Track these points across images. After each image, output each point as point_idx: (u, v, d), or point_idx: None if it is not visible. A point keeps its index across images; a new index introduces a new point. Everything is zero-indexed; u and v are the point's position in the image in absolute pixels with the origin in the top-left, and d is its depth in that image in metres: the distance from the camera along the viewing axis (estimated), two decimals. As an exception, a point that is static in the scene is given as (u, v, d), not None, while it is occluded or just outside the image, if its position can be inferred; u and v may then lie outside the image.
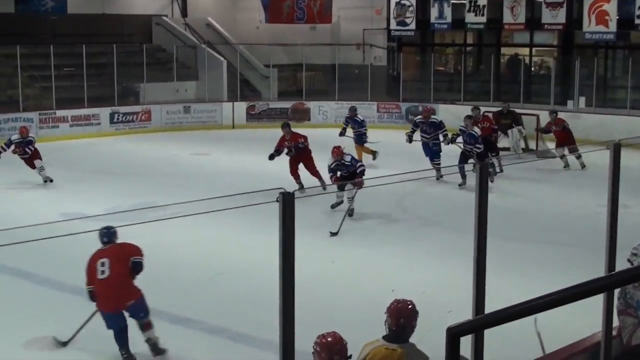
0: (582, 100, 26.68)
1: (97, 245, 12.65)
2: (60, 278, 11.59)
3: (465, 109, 20.78)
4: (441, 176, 18.47)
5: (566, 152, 20.02)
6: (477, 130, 17.95)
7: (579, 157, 19.74)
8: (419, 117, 19.84)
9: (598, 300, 5.76)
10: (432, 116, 19.55)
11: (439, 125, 19.07)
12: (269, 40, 32.57)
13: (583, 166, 19.71)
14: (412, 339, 5.51)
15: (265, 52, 32.03)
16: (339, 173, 15.18)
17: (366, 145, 20.83)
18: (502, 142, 21.41)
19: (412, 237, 13.99)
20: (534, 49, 30.94)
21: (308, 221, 13.02)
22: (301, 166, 17.06)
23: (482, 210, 4.66)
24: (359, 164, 15.30)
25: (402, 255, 12.85)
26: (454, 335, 2.94)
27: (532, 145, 22.73)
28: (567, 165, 20.12)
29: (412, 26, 30.52)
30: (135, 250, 8.76)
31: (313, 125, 28.47)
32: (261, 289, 10.81)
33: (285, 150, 17.14)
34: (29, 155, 18.43)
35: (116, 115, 27.89)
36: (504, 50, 31.87)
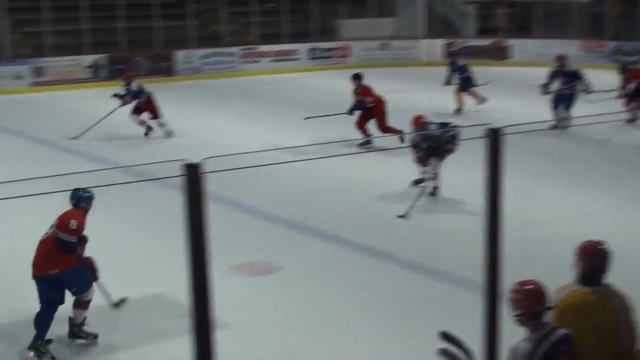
0: None
1: (295, 175, 13.08)
2: (264, 206, 12.00)
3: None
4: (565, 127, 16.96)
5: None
6: None
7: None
8: (556, 65, 17.87)
9: None
10: (567, 65, 17.70)
11: (575, 74, 17.37)
12: (468, -25, 31.96)
13: None
14: (613, 281, 5.31)
15: (464, -12, 31.49)
16: (424, 144, 12.44)
17: (474, 90, 19.72)
18: None
19: (615, 179, 13.50)
20: None
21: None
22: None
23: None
24: (450, 125, 12.67)
25: (602, 197, 12.44)
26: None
27: None
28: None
29: (622, -41, 29.13)
30: (64, 227, 7.67)
31: (512, 64, 27.86)
32: (462, 225, 10.83)
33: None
34: (136, 104, 17.12)
35: (315, 50, 28.24)
36: None
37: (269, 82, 25.12)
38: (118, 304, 8.52)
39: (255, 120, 18.03)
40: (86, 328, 7.91)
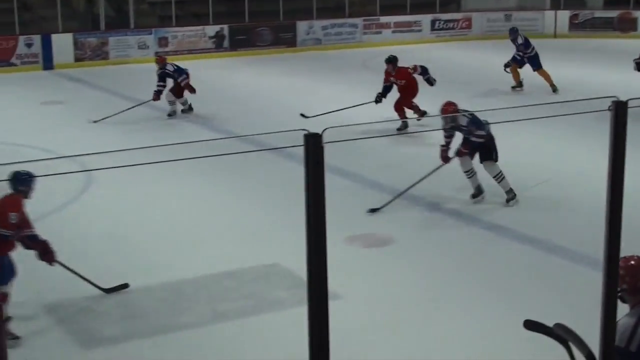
0: None
1: (411, 148, 12.99)
2: (379, 177, 12.03)
3: None
4: None
5: None
6: None
7: None
8: None
9: None
10: None
11: None
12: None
13: None
14: None
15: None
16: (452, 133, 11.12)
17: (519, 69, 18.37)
18: None
19: None
20: None
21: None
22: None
23: None
24: (479, 132, 10.68)
25: None
26: None
27: None
28: None
29: None
30: (2, 220, 7.16)
31: (639, 36, 26.97)
32: (577, 200, 10.62)
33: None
34: (172, 85, 16.49)
35: (437, 22, 28.01)
36: None
37: (390, 54, 24.96)
38: (110, 290, 8.09)
39: (373, 91, 17.95)
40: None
